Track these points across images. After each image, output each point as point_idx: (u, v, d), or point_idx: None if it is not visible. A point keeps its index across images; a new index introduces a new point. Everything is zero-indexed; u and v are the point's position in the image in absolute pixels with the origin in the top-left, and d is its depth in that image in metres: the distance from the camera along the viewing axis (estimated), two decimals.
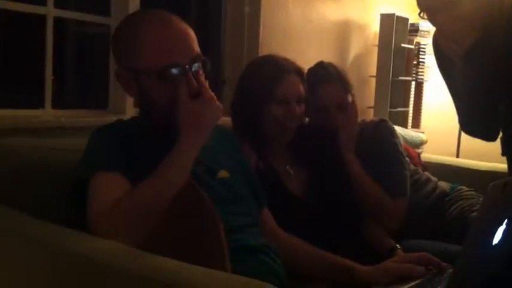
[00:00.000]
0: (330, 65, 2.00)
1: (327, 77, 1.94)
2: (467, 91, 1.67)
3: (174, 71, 1.28)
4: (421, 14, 1.61)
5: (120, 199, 1.17)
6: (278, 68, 1.74)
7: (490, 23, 1.56)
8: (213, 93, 1.32)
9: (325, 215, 1.70)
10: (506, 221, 1.00)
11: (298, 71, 1.77)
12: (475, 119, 1.76)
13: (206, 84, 1.32)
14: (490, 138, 1.79)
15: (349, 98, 1.94)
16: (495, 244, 1.00)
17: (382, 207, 1.87)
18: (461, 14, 1.53)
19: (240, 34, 3.10)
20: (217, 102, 1.31)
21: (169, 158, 1.23)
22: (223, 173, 1.41)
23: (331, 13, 3.72)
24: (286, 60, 1.79)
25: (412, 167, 2.16)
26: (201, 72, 1.33)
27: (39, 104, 2.52)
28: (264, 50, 3.05)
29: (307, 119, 1.97)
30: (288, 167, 1.78)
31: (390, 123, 2.06)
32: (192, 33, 1.36)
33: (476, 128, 1.80)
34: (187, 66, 1.29)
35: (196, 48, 1.34)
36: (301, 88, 1.76)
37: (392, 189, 1.90)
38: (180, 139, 1.25)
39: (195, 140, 1.26)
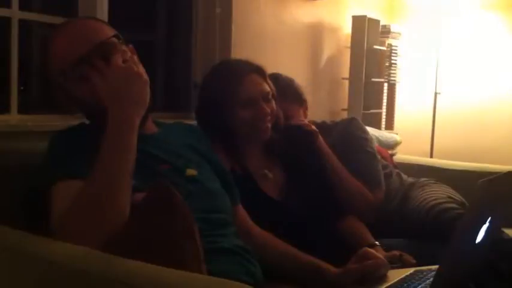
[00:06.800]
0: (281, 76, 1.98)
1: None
2: None
3: (79, 65, 1.25)
4: None
5: (73, 199, 1.11)
6: (236, 70, 1.69)
7: None
8: (123, 64, 1.24)
9: (302, 216, 1.68)
10: (489, 219, 0.98)
11: (257, 69, 1.72)
12: None
13: (119, 59, 1.24)
14: None
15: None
16: (478, 242, 0.99)
17: (363, 199, 1.89)
18: None
19: (211, 36, 3.05)
20: (133, 68, 1.23)
21: (106, 146, 1.16)
22: (190, 172, 1.36)
23: (304, 15, 3.70)
24: (243, 61, 1.74)
25: (383, 161, 2.19)
26: (118, 51, 1.27)
27: (4, 108, 2.44)
28: (236, 52, 3.02)
29: None
30: (265, 169, 1.75)
31: (360, 121, 2.12)
32: (93, 25, 1.33)
33: None
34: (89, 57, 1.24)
35: (100, 35, 1.29)
36: (265, 86, 1.71)
37: (369, 181, 1.94)
38: (109, 122, 1.18)
39: (122, 117, 1.19)
